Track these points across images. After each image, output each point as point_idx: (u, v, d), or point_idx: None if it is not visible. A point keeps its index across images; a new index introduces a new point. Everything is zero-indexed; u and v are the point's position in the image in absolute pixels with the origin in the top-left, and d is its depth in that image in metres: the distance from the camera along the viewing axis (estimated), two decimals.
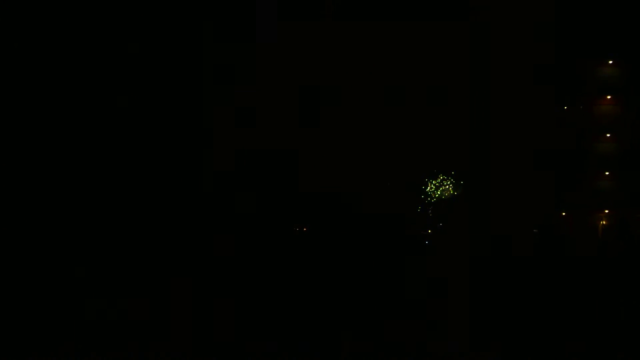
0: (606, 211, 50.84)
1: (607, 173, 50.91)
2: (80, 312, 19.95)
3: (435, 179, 50.73)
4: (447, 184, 50.76)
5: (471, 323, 17.64)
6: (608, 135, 51.15)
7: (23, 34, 45.43)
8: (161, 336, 16.72)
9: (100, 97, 45.71)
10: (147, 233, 44.05)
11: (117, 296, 22.58)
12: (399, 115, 51.25)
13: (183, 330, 17.31)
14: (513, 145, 50.30)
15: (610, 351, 15.37)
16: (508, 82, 51.38)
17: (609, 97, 51.27)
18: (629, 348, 15.77)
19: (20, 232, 40.54)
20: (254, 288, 24.97)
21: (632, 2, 50.57)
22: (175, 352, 14.95)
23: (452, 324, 17.28)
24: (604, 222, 50.83)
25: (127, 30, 46.00)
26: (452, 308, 19.74)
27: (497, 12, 52.02)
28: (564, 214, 50.97)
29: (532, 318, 19.02)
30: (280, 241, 44.16)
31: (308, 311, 20.26)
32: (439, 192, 50.67)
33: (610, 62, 51.18)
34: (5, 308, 20.48)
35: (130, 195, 44.77)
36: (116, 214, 43.83)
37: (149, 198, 45.89)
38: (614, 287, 27.37)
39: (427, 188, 50.65)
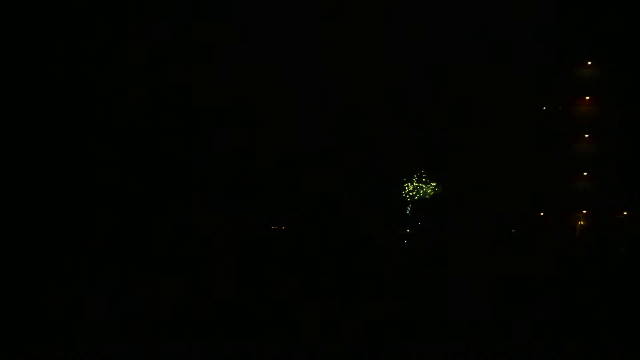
0: (584, 212, 51.19)
1: (585, 174, 51.18)
2: None
3: (413, 182, 52.20)
4: (425, 187, 52.18)
5: None
6: (586, 136, 51.37)
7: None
8: None
9: None
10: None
11: None
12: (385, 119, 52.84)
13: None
14: (491, 145, 51.20)
15: None
16: (487, 85, 52.32)
17: (587, 98, 51.44)
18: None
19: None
20: None
21: (611, 4, 50.58)
22: None
23: None
24: (582, 223, 51.19)
25: None
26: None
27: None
28: (542, 214, 51.63)
29: None
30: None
31: None
32: (417, 195, 52.14)
33: (589, 63, 51.34)
34: None
35: None
36: None
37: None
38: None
39: (405, 191, 52.20)
